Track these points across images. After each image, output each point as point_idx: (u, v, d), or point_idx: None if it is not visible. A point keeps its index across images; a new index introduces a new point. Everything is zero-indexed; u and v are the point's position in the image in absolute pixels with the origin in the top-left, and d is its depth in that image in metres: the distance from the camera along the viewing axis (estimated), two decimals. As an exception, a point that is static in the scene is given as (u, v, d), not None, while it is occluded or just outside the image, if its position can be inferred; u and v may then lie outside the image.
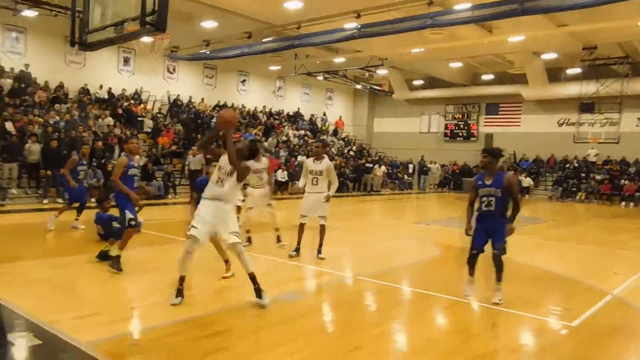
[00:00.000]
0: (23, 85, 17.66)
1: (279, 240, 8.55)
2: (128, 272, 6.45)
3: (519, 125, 27.98)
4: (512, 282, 7.09)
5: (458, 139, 30.18)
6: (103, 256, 6.88)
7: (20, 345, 4.03)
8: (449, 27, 16.45)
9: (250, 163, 7.98)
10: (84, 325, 4.54)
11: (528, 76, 25.15)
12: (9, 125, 15.07)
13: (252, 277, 5.23)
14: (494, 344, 4.65)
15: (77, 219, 9.70)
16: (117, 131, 17.97)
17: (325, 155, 7.97)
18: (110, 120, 18.58)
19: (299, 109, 29.24)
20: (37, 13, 15.77)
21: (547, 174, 26.28)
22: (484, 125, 29.34)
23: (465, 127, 30.01)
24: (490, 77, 27.47)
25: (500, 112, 28.80)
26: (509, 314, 5.40)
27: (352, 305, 5.67)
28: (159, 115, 21.60)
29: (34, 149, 14.35)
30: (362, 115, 33.82)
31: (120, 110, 19.74)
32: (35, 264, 7.01)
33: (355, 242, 9.40)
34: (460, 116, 30.32)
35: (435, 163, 28.43)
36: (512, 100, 27.68)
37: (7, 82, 17.17)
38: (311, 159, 7.89)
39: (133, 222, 6.52)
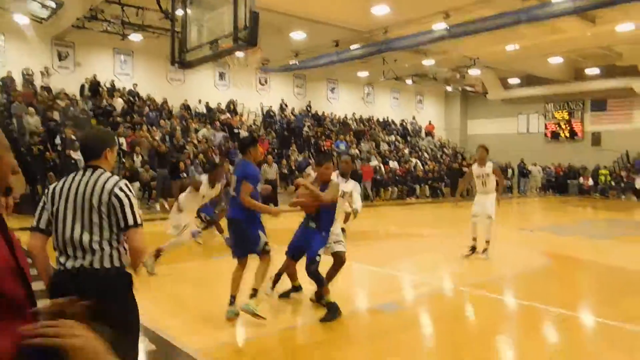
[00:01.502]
0: (132, 103, 19.14)
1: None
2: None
3: (631, 122, 25.72)
4: (633, 296, 6.51)
5: (561, 139, 28.34)
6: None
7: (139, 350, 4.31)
8: (547, 21, 15.51)
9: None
10: (195, 331, 4.77)
11: (640, 67, 23.10)
12: (122, 141, 16.42)
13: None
14: (616, 364, 4.26)
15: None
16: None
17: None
18: (206, 132, 19.62)
19: (388, 117, 28.98)
20: (141, 37, 17.01)
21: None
22: (590, 124, 27.32)
23: (569, 126, 28.13)
24: (596, 71, 25.50)
25: (608, 109, 26.66)
26: (633, 333, 4.93)
27: (454, 318, 5.47)
28: (253, 127, 22.40)
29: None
30: (455, 118, 32.85)
31: (218, 124, 20.72)
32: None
33: (454, 250, 9.07)
34: (562, 115, 28.48)
35: (536, 165, 26.88)
36: (621, 95, 25.47)
37: (119, 102, 18.68)
38: (476, 164, 8.68)
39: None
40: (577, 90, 26.76)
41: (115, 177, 2.59)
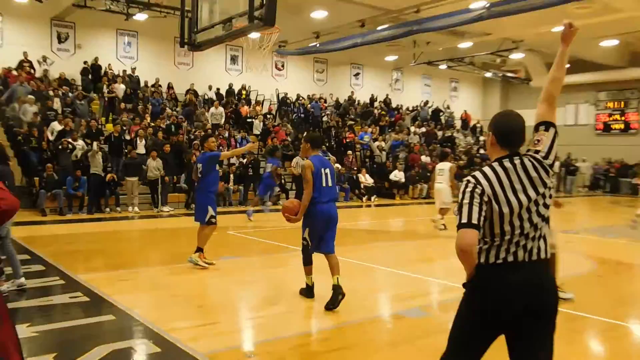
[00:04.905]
0: (134, 89, 19.38)
1: None
2: (247, 281, 6.84)
3: (695, 113, 25.26)
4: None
5: (613, 132, 27.92)
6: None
7: (140, 352, 4.46)
8: (599, -1, 15.33)
9: None
10: (202, 334, 4.91)
11: None
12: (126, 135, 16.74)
13: None
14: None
15: None
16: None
17: None
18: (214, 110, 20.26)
19: (421, 101, 28.86)
20: (147, 16, 17.26)
21: None
22: (648, 115, 26.89)
23: (623, 118, 27.71)
24: (655, 55, 25.09)
25: (668, 98, 26.23)
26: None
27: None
28: (268, 115, 22.47)
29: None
30: (494, 107, 32.48)
31: (228, 113, 20.82)
32: (155, 270, 7.70)
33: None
34: (615, 105, 28.05)
35: (585, 161, 26.55)
36: (684, 82, 25.09)
37: (121, 88, 18.95)
38: None
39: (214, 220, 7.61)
40: (633, 77, 26.32)
41: None
